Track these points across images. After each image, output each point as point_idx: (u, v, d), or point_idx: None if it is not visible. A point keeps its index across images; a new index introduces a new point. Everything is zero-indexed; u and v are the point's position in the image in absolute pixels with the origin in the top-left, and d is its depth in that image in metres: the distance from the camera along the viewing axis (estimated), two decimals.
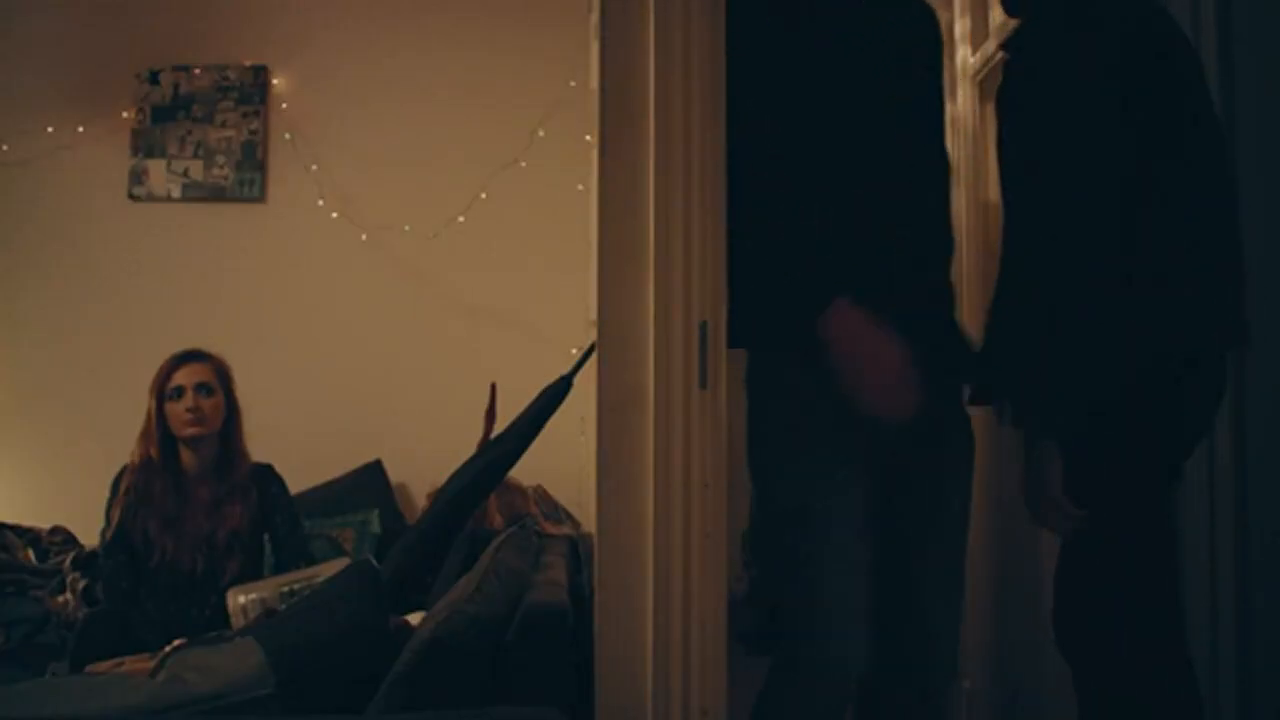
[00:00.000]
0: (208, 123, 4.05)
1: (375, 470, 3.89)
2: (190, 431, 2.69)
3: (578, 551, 2.92)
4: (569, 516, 3.53)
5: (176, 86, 4.06)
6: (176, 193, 4.04)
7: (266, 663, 1.95)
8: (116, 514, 2.68)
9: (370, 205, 4.01)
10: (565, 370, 2.65)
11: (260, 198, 4.06)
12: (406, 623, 2.28)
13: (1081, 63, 1.58)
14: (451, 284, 4.00)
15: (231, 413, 2.78)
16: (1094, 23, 1.60)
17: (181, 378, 2.73)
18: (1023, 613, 3.24)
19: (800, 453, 1.77)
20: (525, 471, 2.97)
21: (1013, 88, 1.77)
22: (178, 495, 2.70)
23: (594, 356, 2.18)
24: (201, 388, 2.72)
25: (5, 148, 3.98)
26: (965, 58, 3.72)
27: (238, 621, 2.52)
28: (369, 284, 4.01)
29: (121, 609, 2.64)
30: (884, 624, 1.72)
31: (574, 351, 2.91)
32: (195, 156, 4.05)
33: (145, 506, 2.67)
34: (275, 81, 4.08)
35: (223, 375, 2.79)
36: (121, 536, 2.67)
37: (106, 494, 2.76)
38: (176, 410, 2.70)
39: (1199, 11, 1.92)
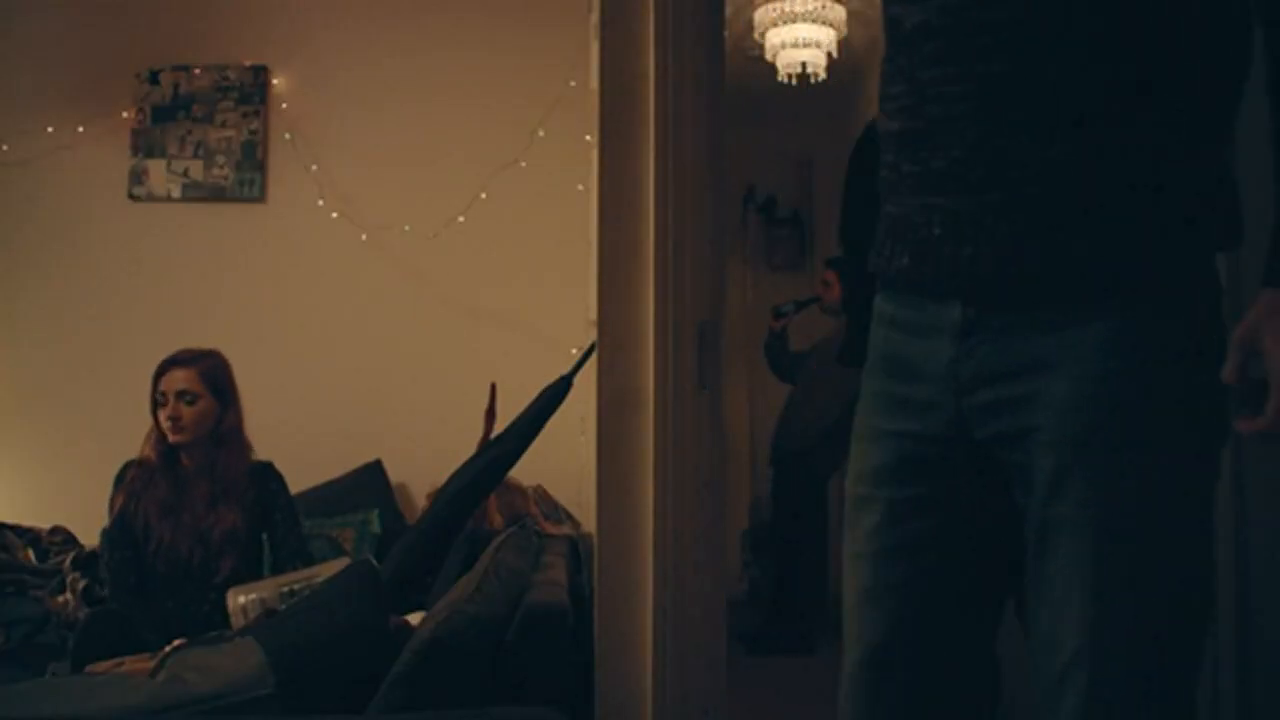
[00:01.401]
0: (208, 123, 4.05)
1: (375, 470, 3.89)
2: (173, 439, 2.70)
3: (578, 551, 2.92)
4: (569, 516, 3.53)
5: (176, 86, 4.06)
6: (176, 193, 4.04)
7: (266, 663, 1.95)
8: (119, 501, 2.68)
9: (370, 205, 4.01)
10: (565, 370, 2.65)
11: (260, 198, 4.06)
12: (406, 623, 2.28)
13: None
14: (451, 284, 4.00)
15: (225, 412, 2.75)
16: None
17: (165, 384, 2.71)
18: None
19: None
20: (525, 471, 2.97)
21: None
22: (177, 488, 2.71)
23: (594, 356, 2.18)
24: (183, 395, 2.70)
25: (5, 148, 3.98)
26: None
27: (238, 621, 2.52)
28: (369, 284, 4.01)
29: (127, 604, 2.64)
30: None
31: (574, 351, 2.91)
32: (195, 156, 4.05)
33: (146, 494, 2.68)
34: (275, 81, 4.08)
35: (211, 378, 2.75)
36: (124, 525, 2.67)
37: (109, 491, 2.76)
38: (161, 417, 2.71)
39: None
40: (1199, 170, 1.09)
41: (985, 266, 1.08)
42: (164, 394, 2.71)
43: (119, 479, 2.75)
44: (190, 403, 2.70)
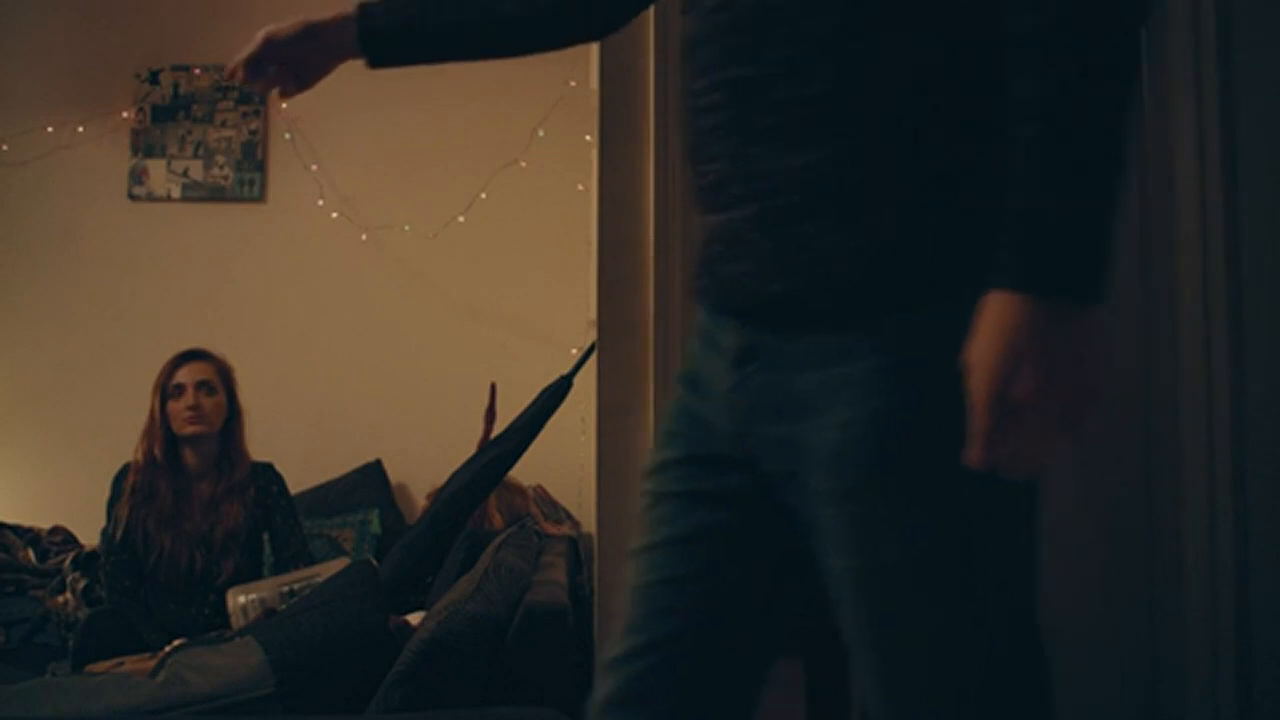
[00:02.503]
0: (208, 123, 4.05)
1: (375, 470, 3.89)
2: (190, 429, 2.70)
3: (578, 551, 2.92)
4: (569, 516, 3.53)
5: (176, 86, 4.06)
6: (176, 193, 4.04)
7: (266, 662, 1.95)
8: (123, 512, 2.68)
9: (370, 205, 4.01)
10: (565, 370, 2.65)
11: (260, 198, 4.06)
12: (406, 623, 2.28)
13: None
14: (451, 284, 4.00)
15: (233, 413, 2.79)
16: None
17: (183, 376, 2.74)
18: None
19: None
20: (525, 471, 2.97)
21: None
22: (178, 494, 2.70)
23: (594, 356, 2.18)
24: (203, 386, 2.74)
25: (5, 148, 3.98)
26: None
27: (238, 621, 2.52)
28: (369, 284, 4.01)
29: (125, 606, 2.64)
30: None
31: (574, 351, 2.91)
32: (195, 156, 4.05)
33: (147, 505, 2.68)
34: None
35: (225, 375, 2.80)
36: (124, 534, 2.68)
37: (108, 493, 2.76)
38: (177, 408, 2.71)
39: (1199, 11, 1.92)
40: (973, 164, 0.94)
41: (749, 286, 0.98)
42: (181, 385, 2.73)
43: (117, 482, 2.75)
44: (210, 393, 2.73)
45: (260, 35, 1.27)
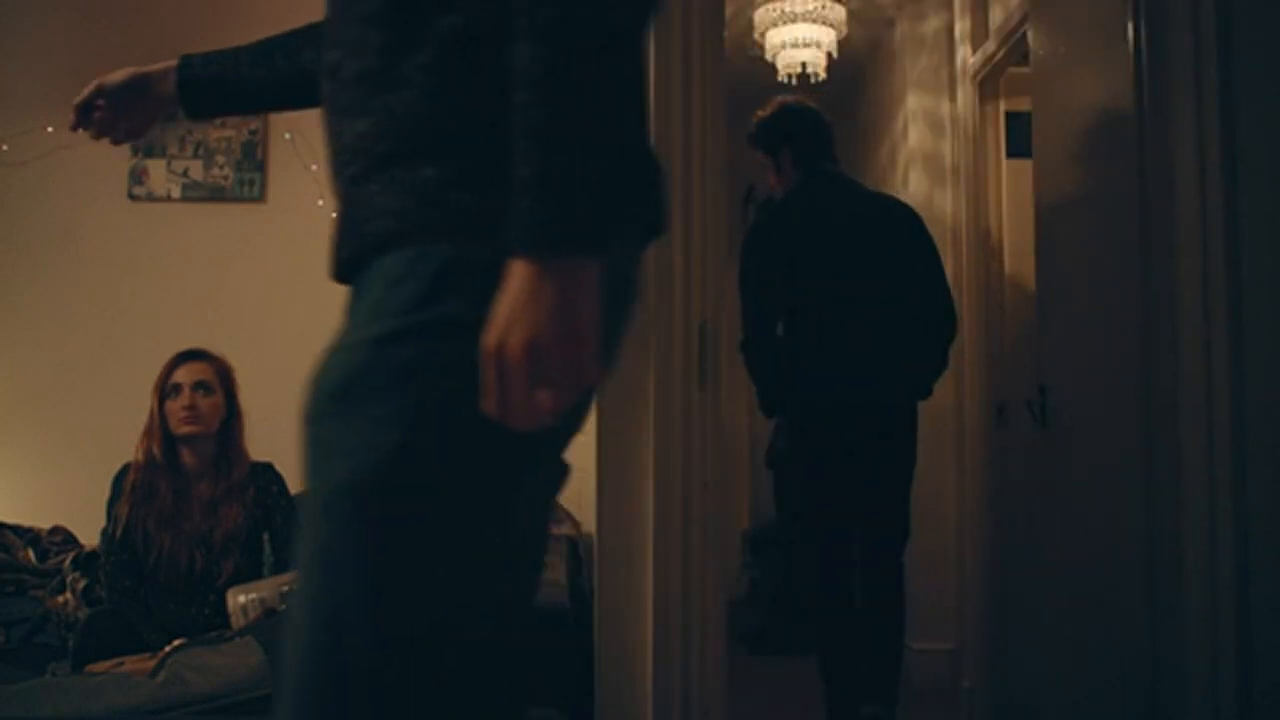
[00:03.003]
0: (208, 122, 4.05)
1: None
2: (186, 430, 2.70)
3: (578, 551, 2.92)
4: (569, 516, 3.53)
5: None
6: (176, 193, 4.04)
7: (266, 663, 1.96)
8: (123, 511, 2.68)
9: None
10: None
11: (260, 198, 4.06)
12: None
13: None
14: None
15: (231, 413, 2.79)
16: None
17: (180, 376, 2.74)
18: (1020, 615, 3.24)
19: None
20: None
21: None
22: (178, 494, 2.70)
23: None
24: (199, 386, 2.73)
25: (5, 148, 3.98)
26: (965, 58, 3.73)
27: (238, 621, 2.52)
28: None
29: (125, 606, 2.64)
30: None
31: None
32: (195, 156, 4.05)
33: (147, 504, 2.68)
34: None
35: (224, 375, 2.80)
36: (124, 533, 2.68)
37: (108, 493, 2.76)
38: (174, 408, 2.71)
39: (1199, 11, 1.92)
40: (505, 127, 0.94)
41: (334, 255, 1.06)
42: (178, 385, 2.73)
43: (117, 482, 2.75)
44: (207, 393, 2.73)
45: (93, 83, 1.34)
